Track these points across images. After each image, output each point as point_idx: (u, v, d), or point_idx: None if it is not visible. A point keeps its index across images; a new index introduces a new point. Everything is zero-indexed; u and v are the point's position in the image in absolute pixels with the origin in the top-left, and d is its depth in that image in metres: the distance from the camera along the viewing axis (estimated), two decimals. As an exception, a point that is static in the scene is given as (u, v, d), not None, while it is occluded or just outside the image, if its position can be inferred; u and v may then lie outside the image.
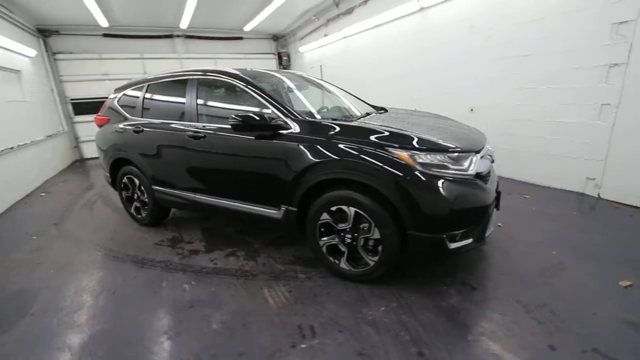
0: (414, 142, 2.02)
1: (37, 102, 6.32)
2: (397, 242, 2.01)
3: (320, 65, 8.57)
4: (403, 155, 1.96)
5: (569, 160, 3.70)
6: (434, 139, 2.07)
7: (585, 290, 2.10)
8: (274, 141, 2.34)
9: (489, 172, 2.28)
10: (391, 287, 2.21)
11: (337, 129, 2.23)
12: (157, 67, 8.35)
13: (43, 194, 5.19)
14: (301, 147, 2.24)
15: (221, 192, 2.79)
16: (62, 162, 7.22)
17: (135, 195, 3.50)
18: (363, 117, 2.79)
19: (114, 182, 3.69)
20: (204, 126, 2.73)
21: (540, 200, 3.63)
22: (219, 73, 2.78)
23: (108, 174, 3.69)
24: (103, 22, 6.94)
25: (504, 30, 4.05)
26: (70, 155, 7.84)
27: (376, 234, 2.05)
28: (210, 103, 2.93)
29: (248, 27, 8.76)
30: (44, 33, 7.21)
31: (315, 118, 2.55)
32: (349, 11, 6.84)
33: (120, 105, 3.51)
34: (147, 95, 3.27)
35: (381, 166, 1.96)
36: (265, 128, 2.34)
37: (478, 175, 2.07)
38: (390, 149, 1.99)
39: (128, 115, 3.39)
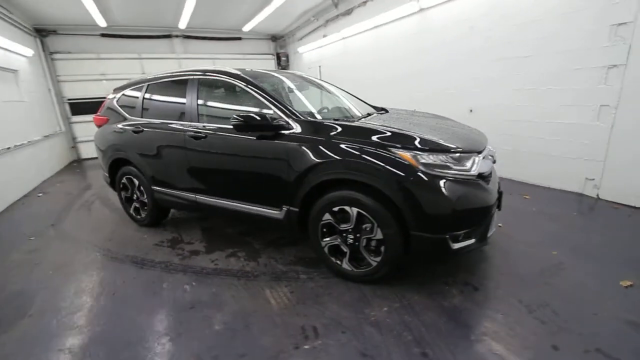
0: (417, 143, 2.02)
1: (34, 102, 6.28)
2: (400, 243, 2.01)
3: (319, 66, 8.58)
4: (406, 155, 1.96)
5: (569, 160, 3.72)
6: (436, 139, 2.07)
7: (586, 290, 2.10)
8: (276, 141, 2.33)
9: (491, 173, 2.29)
10: (393, 287, 2.21)
11: (339, 129, 2.23)
12: (156, 68, 8.32)
13: (40, 194, 5.15)
14: (303, 147, 2.24)
15: (222, 192, 2.78)
16: (60, 162, 7.17)
17: (135, 195, 3.48)
18: (364, 117, 2.79)
19: (113, 183, 3.67)
20: (204, 126, 2.72)
21: (539, 200, 3.64)
22: (219, 73, 2.77)
23: (107, 174, 3.67)
24: (101, 22, 6.91)
25: (504, 31, 4.07)
26: (67, 155, 7.79)
27: (379, 235, 2.05)
28: (211, 103, 2.92)
29: (247, 28, 8.75)
30: (42, 33, 7.17)
31: (317, 118, 2.54)
32: (348, 12, 6.85)
33: (120, 106, 3.49)
34: (147, 96, 3.26)
35: (384, 166, 1.96)
36: (267, 128, 2.33)
37: (480, 176, 2.07)
38: (393, 149, 1.99)
39: (127, 116, 3.37)
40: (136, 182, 3.36)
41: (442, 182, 1.90)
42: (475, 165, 2.04)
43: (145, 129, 3.12)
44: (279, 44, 10.33)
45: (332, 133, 2.21)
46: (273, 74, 3.10)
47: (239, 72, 2.70)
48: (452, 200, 1.89)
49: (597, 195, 3.54)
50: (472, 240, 2.01)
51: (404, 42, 5.65)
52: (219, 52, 9.37)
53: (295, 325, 1.91)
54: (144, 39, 8.37)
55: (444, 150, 2.01)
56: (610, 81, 3.23)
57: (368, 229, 2.09)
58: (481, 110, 4.55)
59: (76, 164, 7.73)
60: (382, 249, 2.08)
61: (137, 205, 3.50)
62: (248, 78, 2.62)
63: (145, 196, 3.35)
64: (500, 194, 2.30)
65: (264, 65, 10.04)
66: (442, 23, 4.88)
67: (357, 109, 3.02)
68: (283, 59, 10.10)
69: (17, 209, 4.51)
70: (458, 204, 1.90)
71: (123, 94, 3.53)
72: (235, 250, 2.88)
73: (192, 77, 2.90)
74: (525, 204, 3.58)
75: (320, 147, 2.19)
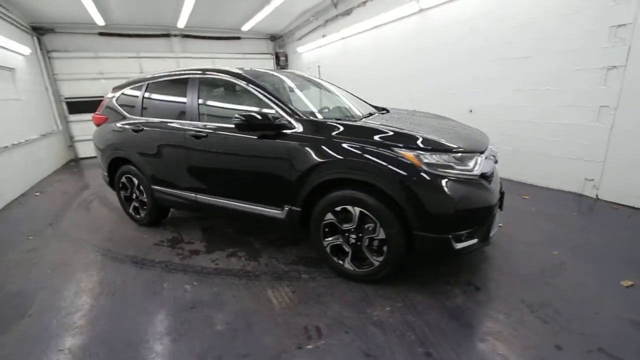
0: (419, 142, 2.02)
1: (31, 100, 6.23)
2: (403, 242, 2.01)
3: (318, 66, 8.57)
4: (409, 155, 1.95)
5: (568, 161, 3.73)
6: (438, 139, 2.07)
7: (587, 290, 2.11)
8: (278, 141, 2.32)
9: (493, 173, 2.29)
10: (396, 287, 2.20)
11: (341, 128, 2.23)
12: (154, 67, 8.29)
13: (38, 193, 5.11)
14: (305, 146, 2.23)
15: (223, 192, 2.76)
16: (57, 161, 7.11)
17: (134, 195, 3.45)
18: (365, 117, 2.78)
19: (112, 182, 3.64)
20: (206, 125, 2.70)
21: (539, 200, 3.66)
22: (221, 72, 2.76)
23: (106, 174, 3.64)
24: (99, 21, 6.87)
25: (504, 31, 4.08)
26: (64, 154, 7.74)
27: (381, 234, 2.05)
28: (212, 102, 2.91)
29: (246, 27, 8.73)
30: (39, 31, 7.11)
31: (318, 118, 2.53)
32: (348, 12, 6.85)
33: (119, 104, 3.47)
34: (147, 94, 3.24)
35: (387, 166, 1.96)
36: (269, 127, 2.32)
37: (483, 176, 2.07)
38: (396, 149, 1.99)
39: (127, 114, 3.35)
40: (135, 181, 3.34)
41: (445, 182, 1.90)
42: (477, 165, 2.04)
43: (145, 128, 3.10)
44: (278, 44, 10.32)
45: (335, 132, 2.21)
46: (273, 73, 3.09)
47: (240, 71, 2.69)
48: (455, 200, 1.89)
49: (597, 195, 3.56)
50: (475, 240, 2.02)
51: (403, 42, 5.66)
52: (218, 51, 9.34)
53: (297, 325, 1.90)
54: (143, 38, 8.33)
55: (447, 150, 2.01)
56: (609, 82, 3.25)
57: (370, 228, 2.09)
58: (481, 111, 4.56)
59: (73, 163, 7.68)
60: (385, 248, 2.07)
61: (137, 205, 3.48)
62: (249, 77, 2.61)
63: (144, 195, 3.33)
64: (502, 194, 2.31)
65: (263, 65, 10.03)
66: (442, 23, 4.89)
67: (358, 109, 3.02)
68: (282, 58, 10.09)
69: (14, 208, 4.47)
70: (461, 204, 1.90)
71: (122, 93, 3.51)
72: (235, 250, 2.87)
73: (192, 76, 2.89)
74: (525, 204, 3.59)
75: (323, 146, 2.18)
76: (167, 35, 8.61)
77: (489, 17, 4.23)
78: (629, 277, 2.17)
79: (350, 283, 2.27)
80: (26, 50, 6.15)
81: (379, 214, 2.02)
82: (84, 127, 7.91)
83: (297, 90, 3.03)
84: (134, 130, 3.16)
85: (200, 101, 2.82)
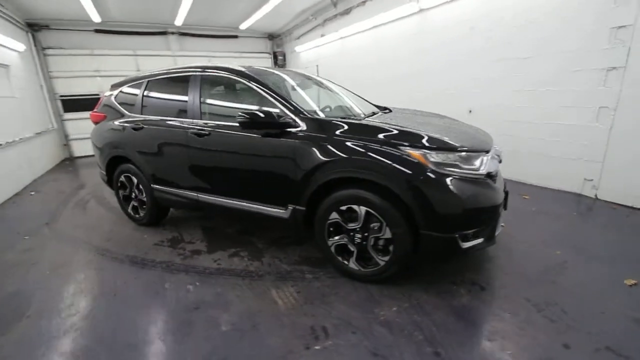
0: (425, 141, 2.01)
1: (25, 98, 6.12)
2: (409, 242, 2.00)
3: (317, 66, 8.55)
4: (415, 153, 1.94)
5: (568, 161, 3.76)
6: (444, 138, 2.07)
7: (591, 289, 2.12)
8: (282, 139, 2.30)
9: (497, 172, 2.29)
10: (401, 286, 2.19)
11: (346, 127, 2.21)
12: (151, 64, 8.16)
13: (33, 192, 5.02)
14: (310, 145, 2.21)
15: (225, 191, 2.73)
16: (52, 160, 7.01)
17: (133, 194, 3.40)
18: (369, 116, 2.77)
19: (110, 181, 3.58)
20: (208, 124, 2.67)
21: (539, 200, 3.68)
22: (223, 70, 2.73)
23: (104, 172, 3.58)
24: (96, 18, 6.77)
25: (504, 32, 4.10)
26: (59, 153, 7.63)
27: (387, 234, 2.04)
28: (214, 100, 2.88)
29: (244, 26, 8.68)
30: (34, 27, 6.99)
31: (323, 116, 2.52)
32: (347, 11, 6.85)
33: (118, 102, 3.42)
34: (147, 92, 3.19)
35: (394, 165, 1.95)
36: (273, 126, 2.30)
37: (488, 175, 2.07)
38: (402, 148, 1.98)
39: (126, 112, 3.30)
40: (135, 180, 3.29)
41: (452, 181, 1.89)
42: (483, 165, 2.04)
43: (145, 126, 3.05)
44: (276, 43, 10.28)
45: (339, 131, 2.19)
46: (275, 71, 3.07)
47: (243, 69, 2.66)
48: (462, 199, 1.88)
49: (596, 195, 3.59)
50: (481, 240, 2.01)
51: (403, 42, 5.66)
52: (215, 50, 9.28)
53: (304, 326, 1.88)
54: (139, 35, 8.24)
55: (453, 149, 2.01)
56: (609, 83, 3.28)
57: (376, 228, 2.08)
58: (481, 111, 4.58)
59: (68, 162, 7.57)
60: (391, 248, 2.06)
61: (136, 204, 3.43)
62: (253, 75, 2.59)
63: (144, 195, 3.28)
64: (506, 193, 2.31)
65: (261, 63, 9.98)
66: (442, 24, 4.90)
67: (361, 108, 3.00)
68: (280, 57, 10.06)
69: (9, 207, 4.38)
70: (468, 203, 1.90)
71: (121, 91, 3.46)
72: (237, 250, 2.84)
73: (194, 73, 2.85)
74: (525, 204, 3.61)
75: (328, 145, 2.16)
76: (164, 33, 8.53)
77: (489, 18, 4.25)
78: (631, 276, 2.18)
79: (355, 283, 2.26)
80: (21, 46, 6.04)
81: (385, 213, 2.01)
82: (79, 125, 7.82)
83: (299, 89, 3.01)
84: (134, 129, 3.12)
85: (202, 99, 2.78)
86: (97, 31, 7.71)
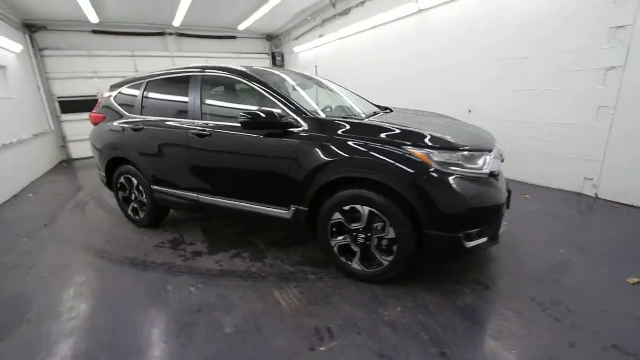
0: (429, 140, 2.00)
1: (23, 99, 6.07)
2: (413, 242, 1.99)
3: (315, 66, 8.55)
4: (419, 153, 1.94)
5: (568, 161, 3.77)
6: (447, 137, 2.06)
7: (595, 287, 2.12)
8: (285, 139, 2.29)
9: (500, 172, 2.29)
10: (405, 287, 2.19)
11: (348, 127, 2.20)
12: (149, 66, 8.14)
13: (31, 194, 4.98)
14: (313, 145, 2.20)
15: (227, 192, 2.71)
16: (49, 162, 6.96)
17: (133, 195, 3.38)
18: (370, 116, 2.77)
19: (110, 183, 3.55)
20: (209, 124, 2.65)
21: (540, 200, 3.69)
22: (224, 70, 2.72)
23: (104, 174, 3.55)
24: (94, 18, 6.73)
25: (503, 32, 4.11)
26: (57, 155, 7.57)
27: (391, 234, 2.03)
28: (215, 100, 2.86)
29: (242, 27, 8.67)
30: (31, 28, 6.95)
31: (325, 116, 2.51)
32: (346, 12, 6.85)
33: (117, 103, 3.39)
34: (147, 93, 3.17)
35: (397, 165, 1.94)
36: (275, 126, 2.28)
37: (491, 175, 2.07)
38: (405, 147, 1.98)
39: (126, 113, 3.28)
40: (135, 181, 3.27)
41: (456, 181, 1.89)
42: (487, 164, 2.04)
43: (145, 127, 3.03)
44: (274, 44, 10.28)
45: (342, 131, 2.18)
46: (276, 72, 3.05)
47: (244, 69, 2.65)
48: (467, 199, 1.88)
49: (596, 194, 3.61)
50: (485, 239, 2.01)
51: (402, 42, 5.67)
52: (213, 50, 9.26)
53: (308, 327, 1.87)
54: (137, 36, 8.20)
55: (456, 148, 2.00)
56: (608, 82, 3.29)
57: (380, 228, 2.07)
58: (480, 111, 4.59)
59: (66, 164, 7.52)
60: (395, 248, 2.05)
61: (136, 206, 3.40)
62: (254, 75, 2.57)
63: (144, 196, 3.25)
64: (509, 192, 2.31)
65: (259, 64, 9.97)
66: (441, 24, 4.91)
67: (362, 108, 3.00)
68: (278, 58, 10.05)
69: (7, 210, 4.34)
70: (472, 203, 1.89)
71: (120, 92, 3.43)
72: (239, 251, 2.82)
73: (195, 73, 2.83)
74: (526, 203, 3.61)
75: (330, 145, 2.15)
76: (162, 34, 8.50)
77: (488, 18, 4.26)
78: (635, 275, 2.19)
79: (358, 283, 2.25)
80: (18, 47, 6.00)
81: (389, 213, 2.00)
82: (77, 127, 7.78)
83: (299, 89, 3.00)
84: (134, 130, 3.10)
85: (203, 99, 2.77)
86: (94, 32, 7.68)
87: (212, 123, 2.65)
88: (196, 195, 2.87)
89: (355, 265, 2.23)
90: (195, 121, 2.73)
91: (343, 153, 2.10)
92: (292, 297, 2.16)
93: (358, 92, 3.60)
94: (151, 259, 2.78)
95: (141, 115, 3.15)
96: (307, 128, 2.26)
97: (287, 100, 2.40)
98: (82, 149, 7.88)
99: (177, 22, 7.79)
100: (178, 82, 2.97)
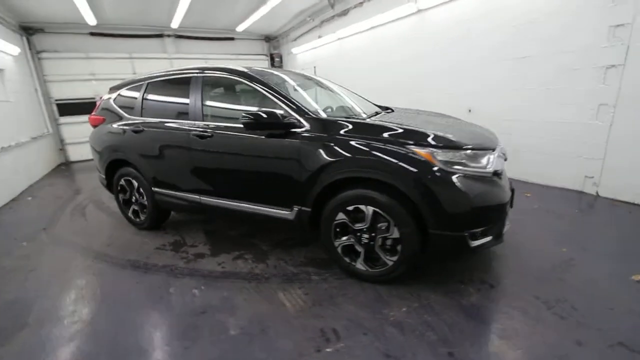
0: (432, 139, 2.00)
1: (20, 102, 6.03)
2: (417, 241, 1.98)
3: (314, 67, 8.54)
4: (423, 152, 1.93)
5: (568, 159, 3.78)
6: (451, 136, 2.06)
7: (599, 285, 2.12)
8: (287, 140, 2.28)
9: (503, 170, 2.29)
10: (409, 286, 2.18)
11: (351, 126, 2.20)
12: (147, 67, 8.12)
13: (29, 198, 4.94)
14: (315, 145, 2.19)
15: (228, 193, 2.70)
16: (48, 165, 6.91)
17: (133, 197, 3.35)
18: (372, 116, 2.76)
19: (110, 185, 3.53)
20: (210, 125, 2.64)
21: (541, 198, 3.69)
22: (225, 71, 2.71)
23: (103, 176, 3.53)
24: (91, 20, 6.70)
25: (503, 32, 4.12)
26: (55, 158, 7.52)
27: (395, 233, 2.02)
28: (216, 101, 2.85)
29: (240, 28, 8.66)
30: (28, 31, 6.90)
31: (327, 116, 2.50)
32: (344, 12, 6.85)
33: (117, 105, 3.37)
34: (147, 94, 3.15)
35: (401, 164, 1.93)
36: (277, 126, 2.27)
37: (495, 173, 2.06)
38: (408, 146, 1.97)
39: (125, 115, 3.26)
40: (135, 183, 3.25)
41: (460, 180, 1.88)
42: (490, 163, 2.03)
43: (145, 129, 3.01)
44: (273, 45, 10.27)
45: (345, 130, 2.18)
46: (275, 72, 3.04)
47: (245, 70, 2.64)
48: (471, 198, 1.87)
49: (597, 192, 3.61)
50: (489, 238, 2.01)
51: (402, 43, 5.67)
52: (212, 52, 9.23)
53: (314, 328, 1.85)
54: (135, 38, 8.17)
55: (460, 147, 2.00)
56: (608, 81, 3.31)
57: (384, 228, 2.06)
58: (480, 110, 4.59)
59: (64, 167, 7.47)
60: (399, 248, 2.04)
61: (136, 208, 3.38)
62: (255, 76, 2.56)
63: (145, 198, 3.23)
64: (512, 191, 2.31)
65: (258, 65, 9.94)
66: (440, 24, 4.92)
67: (363, 108, 2.99)
68: (277, 59, 10.04)
69: (5, 213, 4.30)
70: (477, 201, 1.89)
71: (120, 94, 3.41)
72: (242, 253, 2.81)
73: (196, 74, 2.82)
74: (527, 202, 3.61)
75: (333, 145, 2.15)
76: (160, 36, 8.47)
77: (488, 18, 4.27)
78: (639, 272, 2.19)
79: (362, 284, 2.24)
80: (15, 50, 5.96)
81: (393, 212, 1.99)
82: (75, 129, 7.73)
83: (300, 89, 2.99)
84: (134, 131, 3.08)
85: (204, 100, 2.75)
86: (92, 34, 7.64)
87: (213, 124, 2.64)
88: (198, 196, 2.85)
89: (359, 265, 2.22)
90: (196, 122, 2.71)
91: (346, 153, 2.10)
92: (297, 298, 2.15)
93: (357, 92, 3.60)
94: (152, 261, 2.76)
95: (141, 116, 3.13)
96: (309, 128, 2.25)
97: (289, 100, 2.39)
98: (80, 152, 7.83)
99: (175, 24, 7.77)
100: (178, 83, 2.96)
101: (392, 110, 3.15)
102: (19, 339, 1.93)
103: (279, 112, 2.29)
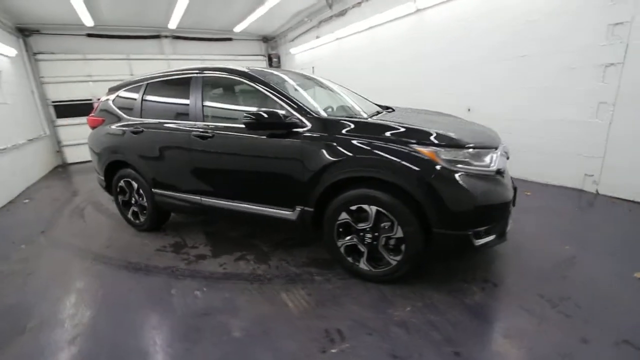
0: (434, 138, 1.99)
1: (17, 104, 5.97)
2: (421, 240, 1.98)
3: (312, 67, 8.53)
4: (426, 151, 1.93)
5: (568, 157, 3.79)
6: (453, 135, 2.05)
7: (602, 283, 2.12)
8: (288, 140, 2.26)
9: (505, 169, 2.29)
10: (412, 286, 2.17)
11: (353, 126, 2.19)
12: (144, 68, 8.08)
13: (26, 200, 4.89)
14: (318, 145, 2.18)
15: (230, 193, 2.68)
16: (44, 167, 6.85)
17: (133, 199, 3.33)
18: (373, 115, 2.75)
19: (109, 186, 3.50)
20: (211, 125, 2.62)
21: (541, 197, 3.70)
22: (225, 71, 2.69)
23: (102, 178, 3.50)
24: (88, 22, 6.65)
25: (502, 31, 4.13)
26: (52, 160, 7.46)
27: (399, 233, 2.01)
28: (217, 101, 2.83)
29: (238, 29, 8.63)
30: (24, 32, 6.85)
31: (329, 116, 2.48)
32: (342, 13, 6.85)
33: (116, 106, 3.34)
34: (147, 95, 3.12)
35: (404, 163, 1.93)
36: (279, 126, 2.26)
37: (498, 172, 2.06)
38: (412, 145, 1.96)
39: (125, 116, 3.23)
40: (135, 185, 3.22)
41: (464, 178, 1.88)
42: (493, 161, 2.03)
43: (145, 130, 2.99)
44: (270, 45, 10.25)
45: (347, 130, 2.17)
46: (275, 72, 3.02)
47: (246, 70, 2.62)
48: (475, 196, 1.87)
49: (597, 190, 3.62)
50: (493, 237, 2.00)
51: (400, 42, 5.67)
52: (209, 52, 9.20)
53: (318, 329, 1.84)
54: (132, 39, 8.12)
55: (463, 145, 1.99)
56: (607, 79, 3.32)
57: (387, 227, 2.05)
58: (480, 110, 4.60)
59: (61, 169, 7.41)
60: (403, 247, 2.04)
61: (136, 209, 3.35)
62: (257, 75, 2.55)
63: (144, 200, 3.21)
64: (515, 189, 2.31)
65: (256, 66, 9.91)
66: (440, 23, 4.92)
67: (364, 107, 2.98)
68: (274, 60, 10.02)
69: (2, 216, 4.26)
70: (481, 200, 1.88)
71: (119, 95, 3.39)
72: (243, 254, 2.79)
73: (196, 75, 2.80)
74: (528, 200, 3.61)
75: (336, 144, 2.14)
76: (157, 37, 8.43)
77: (487, 17, 4.27)
78: (641, 269, 2.19)
79: (366, 284, 2.23)
80: (11, 52, 5.91)
81: (396, 212, 1.98)
82: (72, 131, 7.68)
83: (301, 89, 2.97)
84: (133, 132, 3.05)
85: (204, 101, 2.73)
86: (89, 35, 7.58)
87: (214, 124, 2.62)
88: (198, 197, 2.83)
89: (363, 265, 2.21)
90: (197, 123, 2.70)
91: (349, 152, 2.09)
92: (300, 298, 2.14)
93: (357, 91, 3.59)
94: (153, 263, 2.74)
95: (140, 117, 3.11)
96: (311, 128, 2.24)
97: (290, 99, 2.38)
98: (77, 154, 7.79)
99: (172, 25, 7.73)
100: (178, 84, 2.93)
101: (393, 110, 3.14)
102: (19, 343, 1.91)
103: (280, 112, 2.28)
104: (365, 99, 3.41)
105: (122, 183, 3.32)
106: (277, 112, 2.24)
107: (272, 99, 2.42)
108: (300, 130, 2.25)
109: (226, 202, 2.69)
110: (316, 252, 2.73)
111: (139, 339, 1.88)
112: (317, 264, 2.54)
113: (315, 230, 2.37)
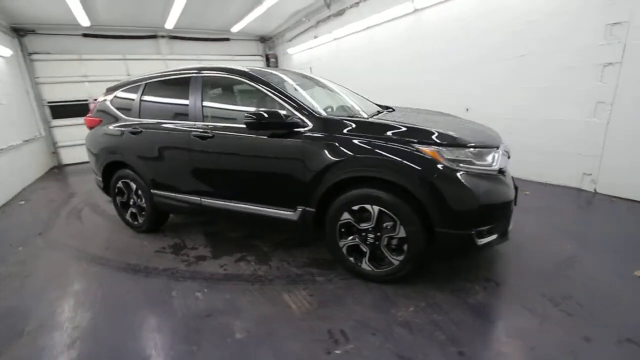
0: (436, 137, 1.99)
1: (12, 105, 5.91)
2: (423, 240, 1.97)
3: (310, 67, 8.52)
4: (429, 150, 1.92)
5: (566, 156, 3.81)
6: (454, 134, 2.05)
7: (603, 281, 2.13)
8: (290, 139, 2.25)
9: (506, 168, 2.29)
10: (415, 286, 2.17)
11: (355, 125, 2.18)
12: (141, 69, 8.00)
13: (22, 202, 4.84)
14: (319, 145, 2.17)
15: (230, 194, 2.66)
16: (40, 168, 6.78)
17: (132, 200, 3.30)
18: (374, 115, 2.75)
19: (107, 187, 3.47)
20: (211, 126, 2.60)
21: (540, 196, 3.72)
22: (225, 71, 2.67)
23: (100, 179, 3.46)
24: (84, 21, 6.60)
25: (500, 31, 4.14)
26: (48, 161, 7.39)
27: (402, 233, 2.00)
28: (217, 101, 2.82)
29: (235, 29, 8.61)
30: (19, 32, 6.78)
31: (331, 116, 2.47)
32: (340, 12, 6.84)
33: (114, 106, 3.31)
34: (145, 95, 3.09)
35: (407, 162, 1.92)
36: (281, 126, 2.25)
37: (500, 171, 2.06)
38: (415, 145, 1.96)
39: (123, 116, 3.20)
40: (133, 186, 3.19)
41: (467, 177, 1.88)
42: (495, 161, 2.03)
43: (144, 130, 2.96)
44: (268, 45, 10.23)
45: (348, 130, 2.16)
46: (275, 72, 3.01)
47: (246, 69, 2.61)
48: (478, 196, 1.87)
49: (595, 189, 3.65)
50: (495, 236, 2.01)
51: (398, 42, 5.68)
52: (206, 53, 9.16)
53: (321, 330, 1.83)
54: (129, 39, 8.07)
55: (464, 145, 1.99)
56: (605, 78, 3.34)
57: (389, 227, 2.04)
58: (479, 109, 4.61)
59: (57, 170, 7.34)
60: (405, 247, 2.03)
61: (134, 211, 3.32)
62: (257, 75, 2.53)
63: (143, 200, 3.18)
64: (516, 189, 2.31)
65: (253, 66, 9.88)
66: (438, 23, 4.93)
67: (364, 107, 2.97)
68: (272, 60, 10.01)
69: (-2, 218, 4.21)
70: (483, 199, 1.88)
71: (116, 95, 3.35)
72: (244, 254, 2.77)
73: (195, 74, 2.78)
74: (527, 200, 3.61)
75: (337, 144, 2.13)
76: (154, 37, 8.38)
77: (486, 17, 4.29)
78: (641, 268, 2.20)
79: (368, 284, 2.22)
80: (6, 52, 5.85)
81: (399, 211, 1.98)
82: (68, 132, 7.62)
83: (301, 89, 2.96)
84: (132, 133, 3.02)
85: (204, 100, 2.71)
86: (85, 35, 7.52)
87: (214, 124, 2.61)
88: (198, 198, 2.81)
89: (365, 265, 2.20)
90: (196, 123, 2.68)
91: (351, 152, 2.08)
92: (302, 299, 2.13)
93: (356, 92, 3.59)
94: (153, 265, 2.71)
95: (139, 117, 3.08)
96: (312, 127, 2.23)
97: (291, 99, 2.36)
98: (73, 155, 7.72)
99: (169, 25, 7.69)
100: (177, 84, 2.91)
101: (393, 110, 3.14)
102: (18, 346, 1.88)
103: (282, 111, 2.27)
104: (365, 98, 3.41)
105: (120, 184, 3.29)
106: (278, 112, 2.23)
107: (273, 99, 2.41)
108: (302, 130, 2.24)
109: (226, 203, 2.68)
110: (316, 252, 2.72)
111: (140, 341, 1.86)
112: (318, 265, 2.53)
113: (316, 230, 2.36)
